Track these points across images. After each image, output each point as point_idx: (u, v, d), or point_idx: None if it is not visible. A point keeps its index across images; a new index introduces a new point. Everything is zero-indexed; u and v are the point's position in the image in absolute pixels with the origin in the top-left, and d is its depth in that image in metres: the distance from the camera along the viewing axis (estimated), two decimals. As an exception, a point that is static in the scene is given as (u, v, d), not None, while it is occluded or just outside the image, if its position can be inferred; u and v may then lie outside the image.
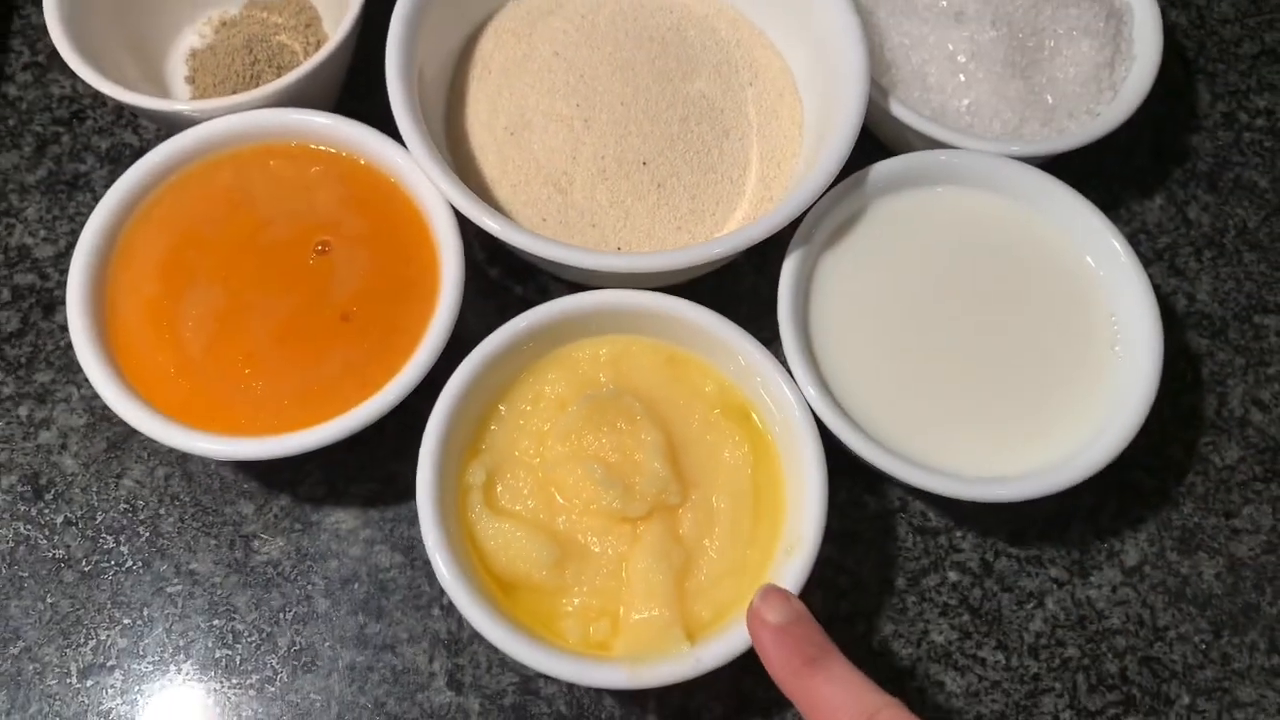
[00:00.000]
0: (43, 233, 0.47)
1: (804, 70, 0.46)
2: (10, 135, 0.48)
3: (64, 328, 0.45)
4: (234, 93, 0.47)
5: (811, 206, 0.40)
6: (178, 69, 0.49)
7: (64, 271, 0.46)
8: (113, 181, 0.47)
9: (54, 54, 0.50)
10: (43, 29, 0.51)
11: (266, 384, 0.39)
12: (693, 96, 0.45)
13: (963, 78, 0.44)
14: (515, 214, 0.43)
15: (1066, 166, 0.45)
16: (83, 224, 0.46)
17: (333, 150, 0.42)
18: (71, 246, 0.46)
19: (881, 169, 0.42)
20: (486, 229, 0.39)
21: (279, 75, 0.47)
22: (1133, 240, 0.48)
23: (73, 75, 0.49)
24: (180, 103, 0.42)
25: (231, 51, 0.47)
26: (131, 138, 0.49)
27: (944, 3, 0.44)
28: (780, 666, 0.30)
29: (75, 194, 0.47)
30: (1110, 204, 0.48)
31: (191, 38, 0.50)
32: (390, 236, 0.41)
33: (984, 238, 0.42)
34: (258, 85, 0.47)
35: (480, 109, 0.45)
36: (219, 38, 0.49)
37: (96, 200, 0.47)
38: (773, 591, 0.32)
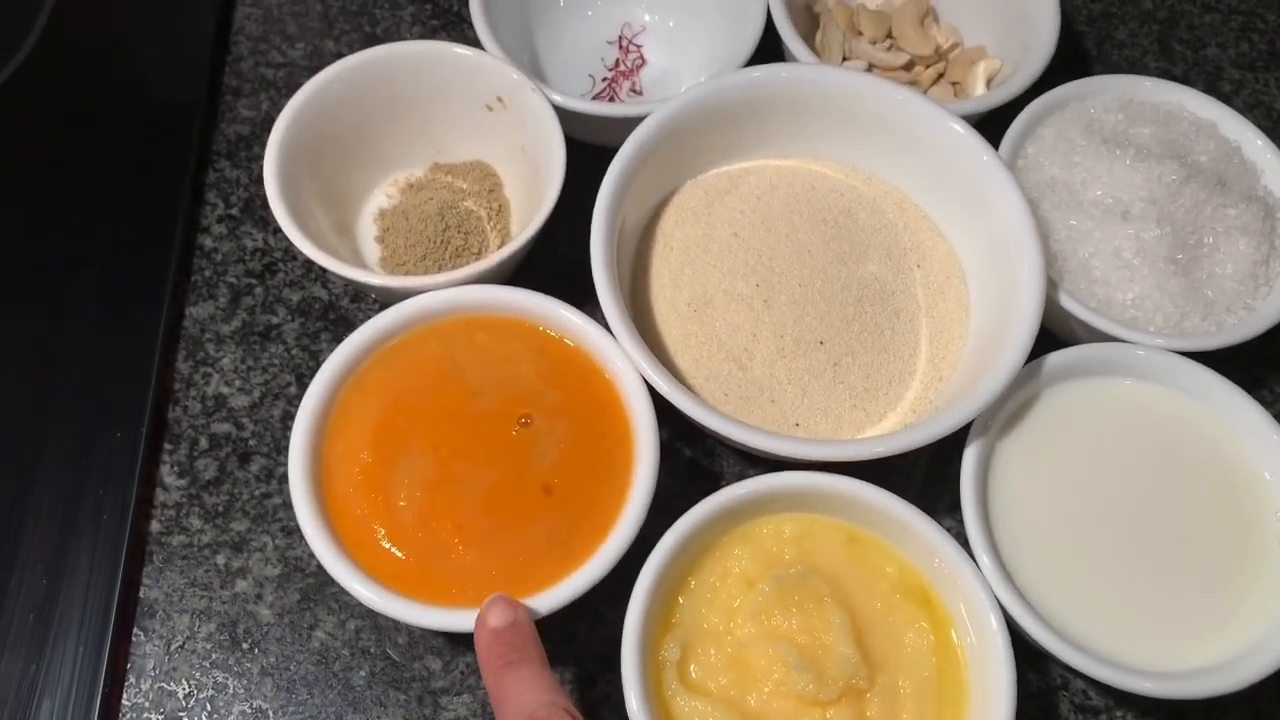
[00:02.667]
0: (238, 382, 0.49)
1: (969, 254, 0.48)
2: (207, 286, 0.51)
3: (259, 477, 0.47)
4: (424, 257, 0.50)
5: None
6: (368, 227, 0.52)
7: (258, 421, 0.48)
8: (304, 333, 0.50)
9: (246, 207, 0.53)
10: (235, 182, 0.54)
11: (475, 555, 0.40)
12: (865, 278, 0.47)
13: (1127, 272, 0.46)
14: (698, 387, 0.45)
15: (1221, 352, 0.47)
16: (275, 374, 0.49)
17: (532, 324, 0.45)
18: (265, 397, 0.49)
19: (1056, 360, 0.44)
20: (684, 411, 0.41)
21: (466, 240, 0.50)
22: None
23: (264, 228, 0.53)
24: (400, 279, 0.45)
25: (425, 218, 0.50)
26: (321, 291, 0.51)
27: (1110, 200, 0.47)
28: (485, 664, 0.33)
29: (268, 345, 0.50)
30: (1260, 385, 0.50)
31: (380, 198, 0.53)
32: (587, 410, 0.43)
33: (1153, 430, 0.44)
34: (446, 249, 0.50)
35: (664, 284, 0.47)
36: (406, 199, 0.52)
37: (288, 351, 0.50)
38: (499, 599, 0.35)
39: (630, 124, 0.47)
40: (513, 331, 0.45)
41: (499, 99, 0.50)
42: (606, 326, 0.42)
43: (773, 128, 0.49)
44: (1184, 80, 0.59)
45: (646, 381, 0.42)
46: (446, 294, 0.44)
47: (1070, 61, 0.59)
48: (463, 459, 0.42)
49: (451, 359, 0.44)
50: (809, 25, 0.57)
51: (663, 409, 0.41)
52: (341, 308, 0.51)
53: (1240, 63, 0.59)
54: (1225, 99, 0.58)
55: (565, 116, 0.49)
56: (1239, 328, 0.45)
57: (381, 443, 0.42)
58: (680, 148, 0.48)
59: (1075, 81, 0.51)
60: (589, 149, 0.50)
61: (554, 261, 0.50)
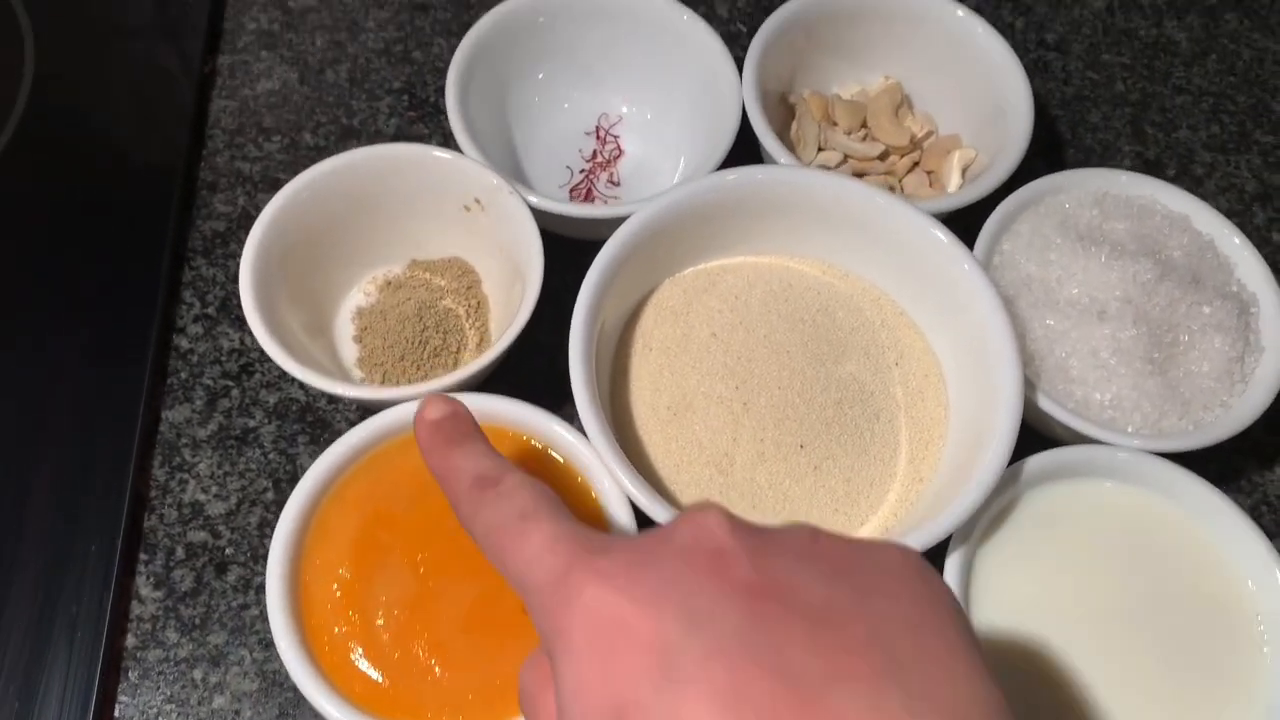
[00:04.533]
0: (214, 489, 0.49)
1: (946, 353, 0.48)
2: (183, 389, 0.51)
3: (236, 588, 0.47)
4: (402, 357, 0.50)
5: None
6: (345, 326, 0.52)
7: (235, 529, 0.48)
8: (280, 436, 0.50)
9: (223, 306, 0.53)
10: (212, 280, 0.54)
11: (453, 676, 0.40)
12: (844, 379, 0.47)
13: (1104, 372, 0.46)
14: (679, 494, 0.45)
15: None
16: (252, 480, 0.49)
17: (514, 432, 0.44)
18: (242, 503, 0.48)
19: (1036, 464, 0.44)
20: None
21: (444, 339, 0.50)
22: (1254, 513, 0.50)
23: (240, 327, 0.52)
24: (378, 390, 0.45)
25: (402, 319, 0.50)
26: (298, 393, 0.51)
27: (1086, 299, 0.47)
28: (428, 451, 0.33)
29: (245, 449, 0.50)
30: (1238, 476, 0.50)
31: (358, 296, 0.52)
32: (568, 523, 0.43)
33: (1135, 534, 0.44)
34: (424, 349, 0.50)
35: (644, 387, 0.47)
36: (384, 298, 0.52)
37: (265, 456, 0.49)
38: (434, 396, 0.35)
39: (608, 223, 0.48)
40: (495, 440, 0.44)
41: (476, 200, 0.50)
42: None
43: (749, 226, 0.49)
44: (1157, 163, 0.59)
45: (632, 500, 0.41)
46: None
47: (1044, 146, 0.60)
48: (442, 574, 0.42)
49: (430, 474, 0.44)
50: (785, 115, 0.57)
51: (645, 521, 0.41)
52: (319, 409, 0.51)
53: (1212, 145, 0.60)
54: (1198, 182, 0.59)
55: (544, 214, 0.49)
56: (1216, 426, 0.46)
57: (361, 558, 0.42)
58: (658, 249, 0.48)
59: (1049, 176, 0.51)
60: (568, 240, 0.50)
61: (533, 355, 0.49)
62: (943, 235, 0.46)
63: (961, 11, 0.55)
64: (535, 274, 0.47)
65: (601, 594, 0.25)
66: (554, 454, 0.44)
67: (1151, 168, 0.59)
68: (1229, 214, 0.58)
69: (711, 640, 0.23)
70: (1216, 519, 0.44)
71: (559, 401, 0.45)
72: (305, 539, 0.42)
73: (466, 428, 0.33)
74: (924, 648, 0.23)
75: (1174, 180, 0.58)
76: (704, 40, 0.54)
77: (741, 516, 0.27)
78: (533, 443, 0.44)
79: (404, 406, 0.44)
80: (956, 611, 0.25)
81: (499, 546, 0.29)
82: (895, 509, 0.46)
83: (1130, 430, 0.46)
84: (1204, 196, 0.58)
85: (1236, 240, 0.50)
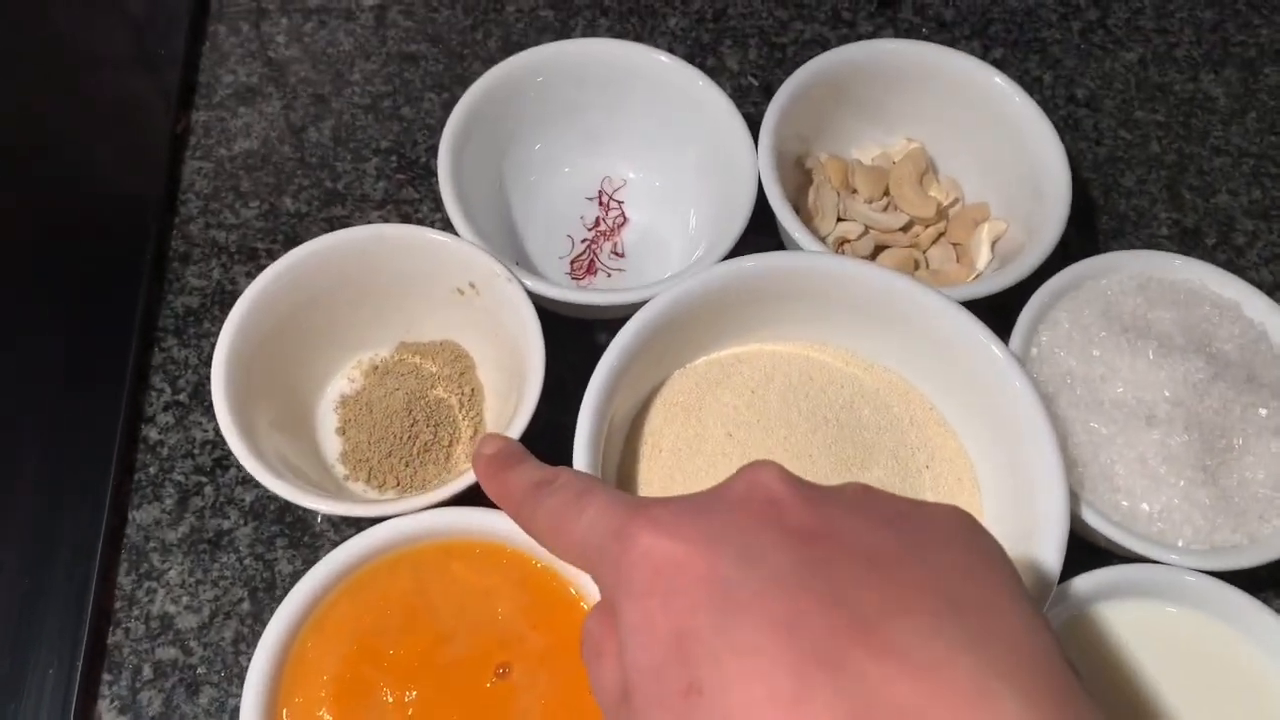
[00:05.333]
0: (185, 599, 0.45)
1: (980, 453, 0.44)
2: (152, 486, 0.47)
3: (209, 711, 0.43)
4: (390, 453, 0.46)
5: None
6: (328, 417, 0.48)
7: (207, 645, 0.44)
8: (257, 539, 0.46)
9: (195, 392, 0.49)
10: (184, 364, 0.50)
11: (448, 832, 0.36)
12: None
13: (1153, 482, 0.43)
14: (693, 616, 0.41)
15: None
16: (227, 589, 0.45)
17: (514, 550, 0.41)
18: (215, 615, 0.44)
19: (1082, 585, 0.41)
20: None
21: (435, 433, 0.46)
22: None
23: (214, 416, 0.48)
24: (364, 506, 0.41)
25: (390, 413, 0.46)
26: (277, 490, 0.47)
27: (1133, 400, 0.43)
28: (487, 479, 0.34)
29: (218, 554, 0.46)
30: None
31: (342, 382, 0.48)
32: (573, 656, 0.39)
33: (1189, 658, 0.41)
34: (414, 444, 0.46)
35: (653, 494, 0.43)
36: (370, 385, 0.48)
37: (240, 562, 0.45)
38: (490, 435, 0.36)
39: (614, 309, 0.44)
40: (492, 560, 0.41)
41: (471, 284, 0.46)
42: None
43: (767, 313, 0.46)
44: (1195, 231, 0.56)
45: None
46: (418, 519, 0.40)
47: (1076, 211, 0.55)
48: (433, 715, 0.38)
49: (423, 594, 0.40)
50: (802, 180, 0.54)
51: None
52: (298, 510, 0.47)
53: (1254, 211, 0.57)
54: (1239, 251, 0.55)
55: (544, 298, 0.45)
56: (1274, 540, 0.42)
57: (344, 697, 0.38)
58: (669, 340, 0.44)
59: (1089, 260, 0.48)
60: (569, 320, 0.46)
61: (533, 447, 0.45)
62: (978, 330, 0.42)
63: (1000, 79, 0.51)
64: (536, 368, 0.43)
65: (657, 539, 0.25)
66: (556, 574, 0.40)
67: (1190, 236, 0.55)
68: (1274, 286, 0.54)
69: (767, 575, 0.23)
70: (1274, 645, 0.40)
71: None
72: (283, 675, 0.38)
73: (520, 455, 0.35)
74: (979, 592, 0.23)
75: (1214, 250, 0.55)
76: (716, 105, 0.50)
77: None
78: (534, 562, 0.41)
79: (392, 523, 0.40)
80: (1009, 564, 0.25)
81: (559, 529, 0.29)
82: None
83: (1181, 544, 0.42)
84: (1246, 268, 0.55)
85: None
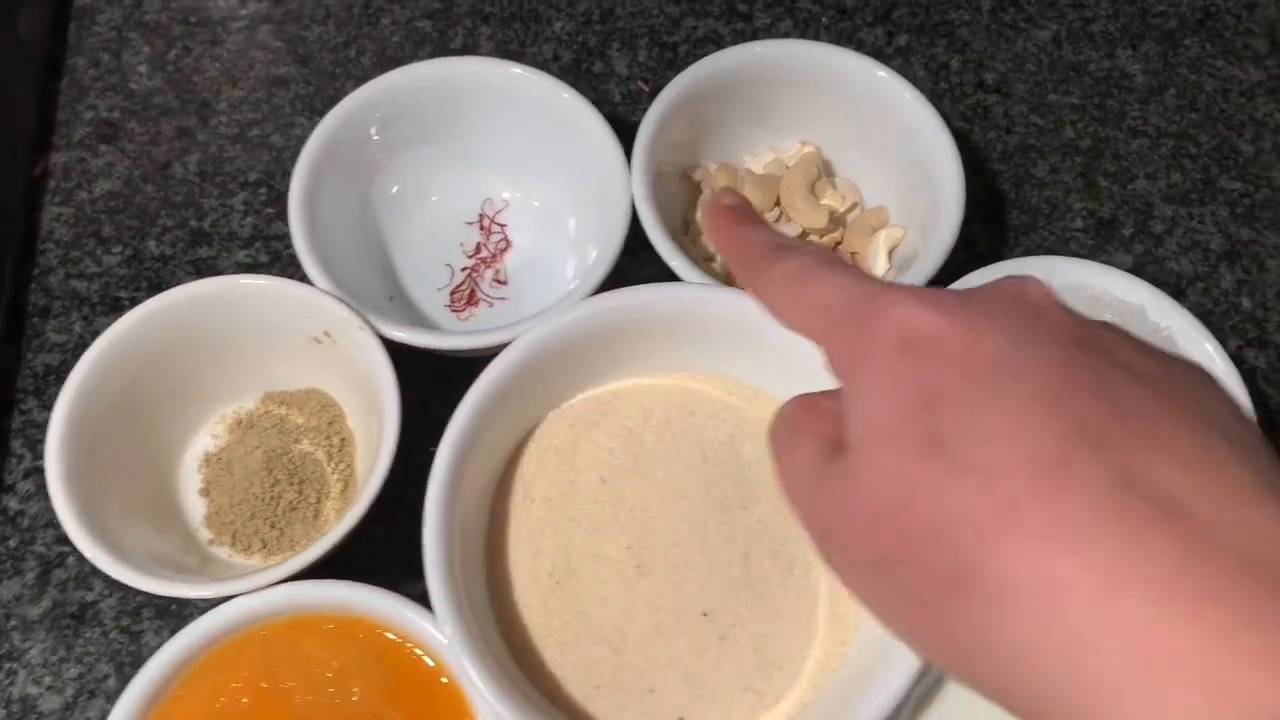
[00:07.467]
0: (48, 679, 0.43)
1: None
2: (11, 559, 0.45)
3: (71, 800, 0.41)
4: (253, 515, 0.44)
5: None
6: (191, 478, 0.45)
7: (70, 729, 0.42)
8: (123, 611, 0.44)
9: (58, 456, 0.47)
10: (45, 426, 0.47)
11: None
12: (752, 528, 0.41)
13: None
14: (565, 679, 0.39)
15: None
16: (91, 665, 0.43)
17: (370, 623, 0.39)
18: (80, 695, 0.43)
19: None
20: (539, 740, 0.35)
21: (301, 492, 0.44)
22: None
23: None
24: (201, 586, 0.39)
25: (250, 473, 0.44)
26: (142, 558, 0.45)
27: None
28: (719, 227, 0.33)
29: (82, 629, 0.44)
30: None
31: (205, 439, 0.46)
32: (432, 734, 0.37)
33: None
34: (277, 505, 0.44)
35: (524, 548, 0.41)
36: (233, 441, 0.46)
37: (105, 636, 0.43)
38: (727, 189, 0.36)
39: (476, 352, 0.42)
40: (347, 636, 0.39)
41: (326, 333, 0.43)
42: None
43: (643, 346, 0.43)
44: (1112, 222, 0.53)
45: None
46: (265, 595, 0.38)
47: (984, 208, 0.53)
48: (289, 811, 0.36)
49: (274, 676, 0.38)
50: (691, 193, 0.51)
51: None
52: (165, 578, 0.45)
53: (1173, 196, 0.54)
54: (1158, 240, 0.52)
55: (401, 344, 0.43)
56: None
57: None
58: (537, 381, 0.42)
59: (982, 270, 0.45)
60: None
61: (409, 496, 0.42)
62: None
63: (884, 72, 0.48)
64: (392, 417, 0.41)
65: (918, 308, 0.24)
66: (414, 648, 0.38)
67: (1105, 227, 0.53)
68: (1194, 277, 0.52)
69: (1035, 357, 0.22)
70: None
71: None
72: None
73: (759, 217, 0.33)
74: (1241, 429, 0.22)
75: (1131, 240, 0.52)
76: (585, 120, 0.47)
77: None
78: (389, 636, 0.39)
79: (238, 602, 0.38)
80: (1251, 419, 0.24)
81: (800, 286, 0.28)
82: (815, 679, 0.40)
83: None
84: (1165, 258, 0.52)
85: (1194, 331, 0.44)
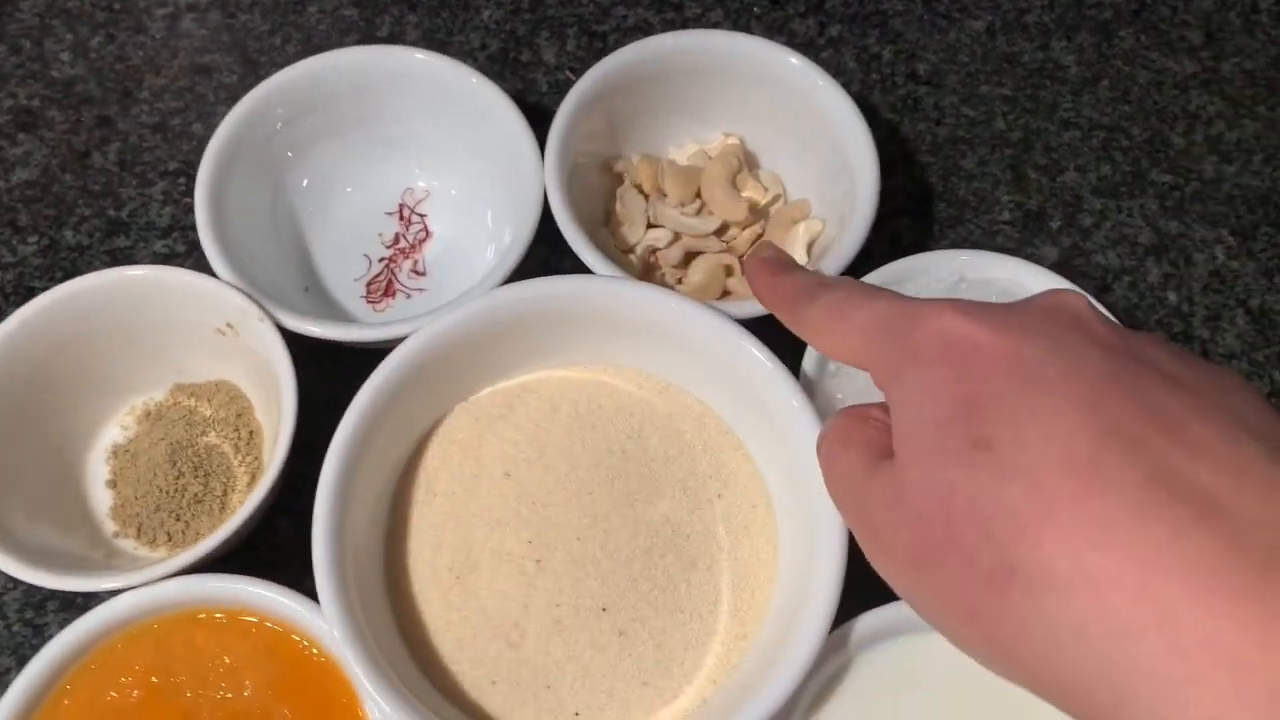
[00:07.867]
0: (-52, 673, 0.42)
1: (775, 477, 0.42)
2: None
3: (-32, 794, 0.41)
4: (158, 508, 0.43)
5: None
6: (99, 469, 0.45)
7: (-30, 722, 0.42)
8: (27, 603, 0.44)
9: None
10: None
11: None
12: (655, 522, 0.41)
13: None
14: (462, 675, 0.39)
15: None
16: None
17: (262, 616, 0.38)
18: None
19: (867, 625, 0.38)
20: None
21: (206, 484, 0.44)
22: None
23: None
24: (99, 579, 0.38)
25: (154, 465, 0.43)
26: (48, 550, 0.45)
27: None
28: (758, 274, 0.35)
29: (-16, 624, 0.43)
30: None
31: (114, 430, 0.46)
32: (322, 729, 0.37)
33: (979, 688, 0.38)
34: (182, 498, 0.43)
35: (424, 544, 0.41)
36: (141, 432, 0.45)
37: (9, 628, 0.43)
38: (766, 243, 0.38)
39: (380, 345, 0.41)
40: (239, 630, 0.38)
41: (229, 324, 0.43)
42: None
43: (553, 339, 0.43)
44: (1039, 214, 0.53)
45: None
46: (158, 589, 0.38)
47: (910, 201, 0.53)
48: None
49: (165, 670, 0.38)
50: (611, 184, 0.50)
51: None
52: (70, 571, 0.44)
53: (1102, 189, 0.53)
54: (1086, 234, 0.52)
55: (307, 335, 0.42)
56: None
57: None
58: (440, 373, 0.41)
59: (896, 263, 0.45)
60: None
61: (308, 491, 0.42)
62: (756, 350, 0.39)
63: (796, 60, 0.48)
64: (289, 410, 0.41)
65: (958, 320, 0.26)
66: (305, 642, 0.38)
67: (1033, 220, 0.52)
68: (1120, 271, 0.51)
69: (1074, 364, 0.24)
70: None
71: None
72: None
73: (795, 264, 0.35)
74: (1266, 428, 0.23)
75: (1059, 233, 0.52)
76: (499, 109, 0.47)
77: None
78: (279, 630, 0.38)
79: (129, 594, 0.38)
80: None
81: (839, 316, 0.29)
82: (714, 674, 0.40)
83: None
84: (1092, 251, 0.51)
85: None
